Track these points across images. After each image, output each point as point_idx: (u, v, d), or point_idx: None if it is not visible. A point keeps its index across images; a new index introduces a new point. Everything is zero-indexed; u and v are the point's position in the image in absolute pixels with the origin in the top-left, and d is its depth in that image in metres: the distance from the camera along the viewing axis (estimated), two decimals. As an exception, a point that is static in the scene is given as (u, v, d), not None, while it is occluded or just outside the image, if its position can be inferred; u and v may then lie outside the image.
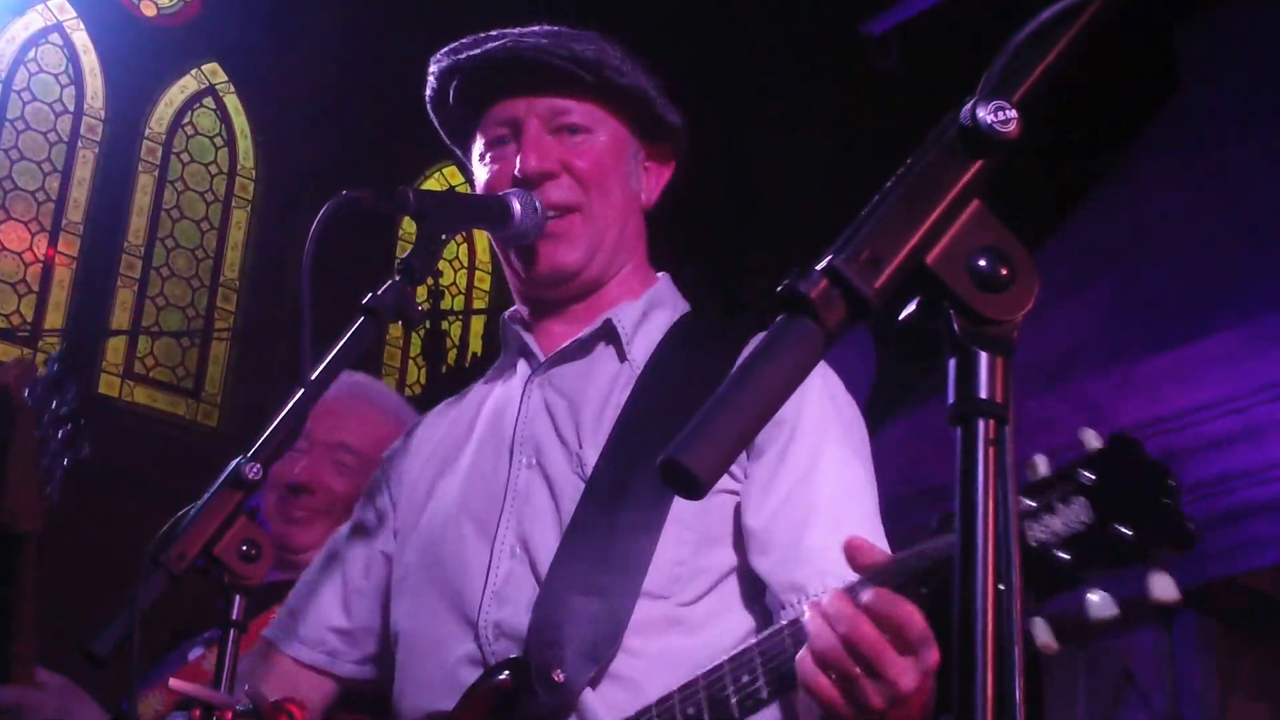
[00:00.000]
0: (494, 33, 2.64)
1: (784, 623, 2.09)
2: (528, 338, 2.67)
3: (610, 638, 2.36)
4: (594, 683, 2.35)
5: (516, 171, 2.56)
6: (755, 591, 2.43)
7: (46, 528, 2.95)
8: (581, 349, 2.63)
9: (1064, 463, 1.83)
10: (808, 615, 1.93)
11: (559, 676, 2.32)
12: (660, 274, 2.77)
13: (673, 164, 2.78)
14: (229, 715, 2.09)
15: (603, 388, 2.58)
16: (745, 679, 2.06)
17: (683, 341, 2.63)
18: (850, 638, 1.88)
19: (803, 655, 1.95)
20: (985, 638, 1.20)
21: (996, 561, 1.21)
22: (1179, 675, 6.12)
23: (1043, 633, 1.79)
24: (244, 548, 2.18)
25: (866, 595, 1.89)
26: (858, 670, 1.88)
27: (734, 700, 2.08)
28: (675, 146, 2.76)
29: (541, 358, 2.63)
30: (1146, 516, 1.78)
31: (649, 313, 2.66)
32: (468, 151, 2.73)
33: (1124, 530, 1.77)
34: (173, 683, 2.10)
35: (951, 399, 1.26)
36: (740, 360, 2.26)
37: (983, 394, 1.25)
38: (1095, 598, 1.77)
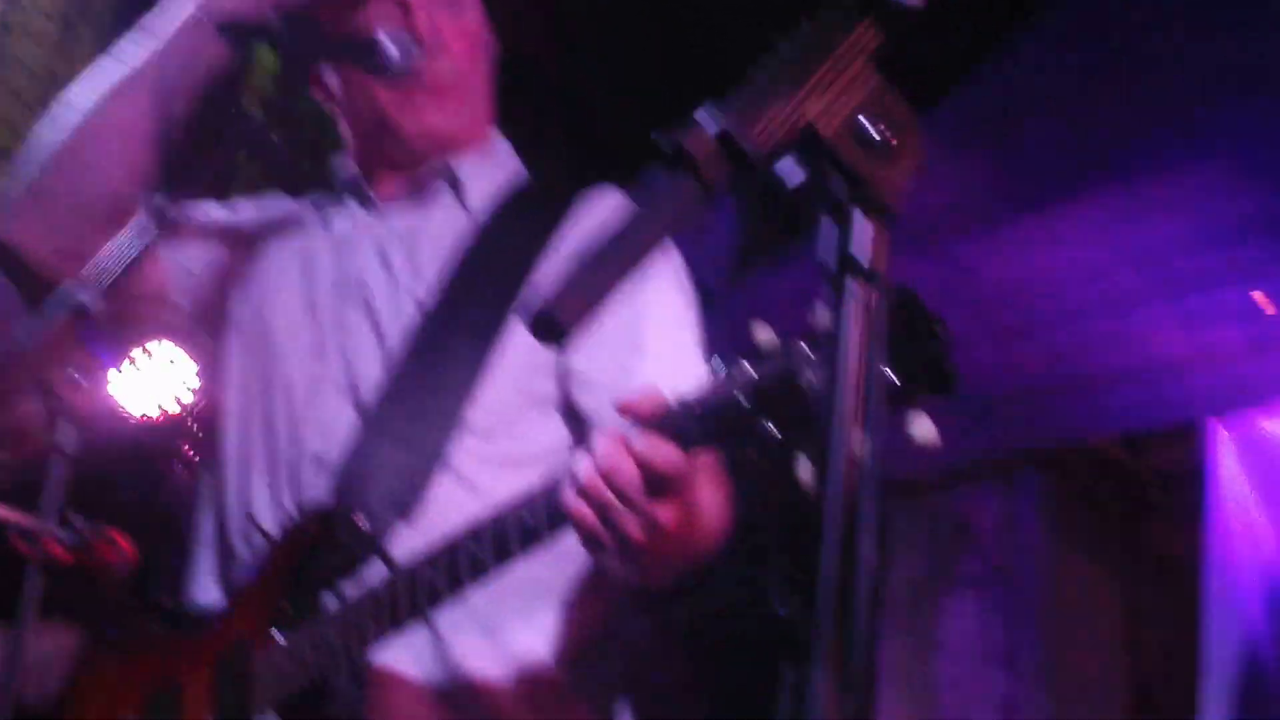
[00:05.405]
0: None
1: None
2: (364, 182, 2.65)
3: (422, 479, 2.35)
4: (402, 524, 2.33)
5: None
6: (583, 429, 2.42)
7: None
8: (418, 190, 2.61)
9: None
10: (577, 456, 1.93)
11: (363, 523, 2.30)
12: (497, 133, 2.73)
13: None
14: (50, 541, 2.05)
15: (438, 233, 2.57)
16: (528, 517, 2.01)
17: (524, 198, 2.61)
18: (607, 468, 1.86)
19: (566, 487, 1.93)
20: (839, 498, 1.20)
21: (863, 423, 1.22)
22: (1015, 530, 6.26)
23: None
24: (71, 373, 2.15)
25: (631, 433, 1.87)
26: (611, 497, 1.86)
27: (514, 536, 2.02)
28: None
29: (378, 201, 2.62)
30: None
31: (490, 165, 2.65)
32: None
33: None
34: None
35: (826, 259, 1.26)
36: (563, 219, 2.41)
37: (857, 255, 1.24)
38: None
